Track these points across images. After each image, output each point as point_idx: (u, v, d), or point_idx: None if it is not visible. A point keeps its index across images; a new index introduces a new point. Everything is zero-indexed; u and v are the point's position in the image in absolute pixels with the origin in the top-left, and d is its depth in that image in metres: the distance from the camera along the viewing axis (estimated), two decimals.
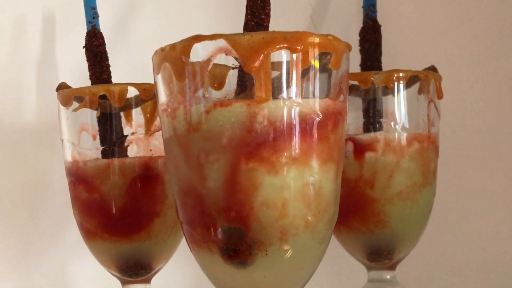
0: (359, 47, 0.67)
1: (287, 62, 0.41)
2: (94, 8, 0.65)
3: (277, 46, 0.41)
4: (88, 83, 0.64)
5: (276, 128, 0.41)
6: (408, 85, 0.59)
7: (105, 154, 0.58)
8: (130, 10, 0.77)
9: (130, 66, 0.76)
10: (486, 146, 0.76)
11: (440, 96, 0.60)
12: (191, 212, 0.43)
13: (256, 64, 0.40)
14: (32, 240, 0.76)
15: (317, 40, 0.42)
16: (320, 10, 0.78)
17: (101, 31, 0.65)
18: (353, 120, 0.61)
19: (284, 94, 0.42)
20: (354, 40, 0.75)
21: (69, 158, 0.60)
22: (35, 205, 0.76)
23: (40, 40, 0.77)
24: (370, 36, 0.67)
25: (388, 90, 0.58)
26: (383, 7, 0.72)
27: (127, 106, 0.61)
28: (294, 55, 0.41)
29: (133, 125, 0.61)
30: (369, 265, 0.62)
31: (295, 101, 0.42)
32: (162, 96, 0.45)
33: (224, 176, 0.42)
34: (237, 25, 0.75)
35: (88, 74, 0.64)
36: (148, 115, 0.61)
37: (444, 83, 0.62)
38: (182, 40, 0.42)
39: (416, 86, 0.60)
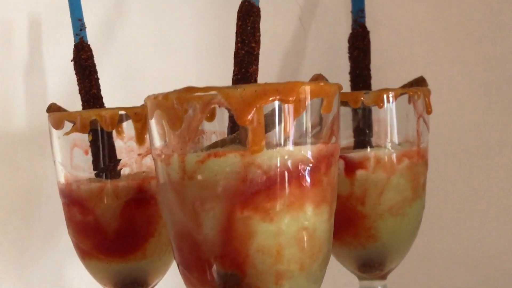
0: (348, 54, 0.68)
1: (279, 112, 0.42)
2: (81, 19, 0.65)
3: (270, 99, 0.41)
4: (76, 88, 0.64)
5: (270, 177, 0.42)
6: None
7: (98, 176, 0.59)
8: (118, 15, 0.77)
9: (118, 71, 0.76)
10: (474, 144, 0.77)
11: (429, 112, 0.61)
12: (188, 256, 0.44)
13: (249, 117, 0.41)
14: (27, 246, 0.77)
15: (308, 88, 0.42)
16: (309, 10, 0.78)
17: (88, 42, 0.64)
18: (343, 137, 0.61)
19: (277, 143, 0.42)
20: (343, 39, 0.75)
21: (62, 179, 0.60)
22: (29, 210, 0.77)
23: (27, 45, 0.76)
24: (359, 44, 0.67)
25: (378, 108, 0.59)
26: (372, 12, 0.72)
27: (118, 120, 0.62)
28: (286, 105, 0.42)
29: (124, 137, 0.62)
30: (360, 275, 0.63)
31: (288, 150, 0.42)
32: (156, 141, 0.45)
33: (220, 224, 0.42)
34: (226, 31, 0.75)
35: (76, 79, 0.64)
36: (139, 131, 0.61)
37: (433, 88, 0.63)
38: (175, 91, 0.43)
39: (405, 98, 0.60)
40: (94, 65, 0.64)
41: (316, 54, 0.77)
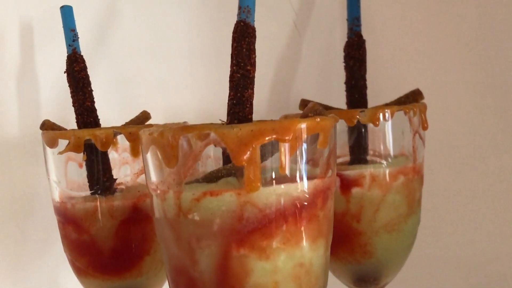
0: (343, 63, 0.67)
1: (275, 150, 0.42)
2: (73, 30, 0.64)
3: (266, 138, 0.41)
4: (68, 95, 0.63)
5: (266, 215, 0.42)
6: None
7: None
8: (110, 21, 0.76)
9: (111, 77, 0.75)
10: (469, 149, 0.77)
11: (425, 127, 0.60)
12: None
13: (245, 157, 0.40)
14: (22, 252, 0.76)
15: (305, 126, 0.42)
16: (304, 15, 0.77)
17: (81, 50, 0.64)
18: (339, 153, 0.61)
19: (273, 181, 0.42)
20: (339, 44, 0.75)
21: (56, 198, 0.60)
22: (23, 216, 0.76)
23: (18, 51, 0.75)
24: (355, 53, 0.67)
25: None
26: (368, 20, 0.71)
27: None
28: (283, 144, 0.41)
29: (119, 149, 0.61)
30: None
31: (284, 187, 0.42)
32: (152, 175, 0.45)
33: (216, 261, 0.42)
34: (220, 36, 0.75)
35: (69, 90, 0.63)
36: (133, 146, 0.60)
37: (428, 98, 0.63)
38: (171, 129, 0.42)
39: (401, 115, 0.60)
40: (87, 77, 0.63)
41: (311, 59, 0.77)
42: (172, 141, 0.42)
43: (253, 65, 0.48)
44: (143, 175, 0.59)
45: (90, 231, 0.58)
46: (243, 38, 0.48)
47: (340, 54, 0.69)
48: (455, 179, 0.76)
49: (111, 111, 0.73)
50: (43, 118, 0.76)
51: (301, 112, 0.67)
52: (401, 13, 0.75)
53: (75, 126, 0.63)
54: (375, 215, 0.59)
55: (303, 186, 0.43)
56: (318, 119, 0.43)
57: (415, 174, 0.60)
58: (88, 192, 0.59)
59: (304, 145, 0.42)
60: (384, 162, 0.59)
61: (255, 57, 0.49)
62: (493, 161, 0.76)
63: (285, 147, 0.41)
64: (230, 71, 0.48)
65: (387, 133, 0.59)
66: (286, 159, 0.42)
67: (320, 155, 0.44)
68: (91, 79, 0.64)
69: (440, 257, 0.77)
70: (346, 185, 0.59)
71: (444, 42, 0.74)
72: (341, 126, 0.60)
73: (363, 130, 0.60)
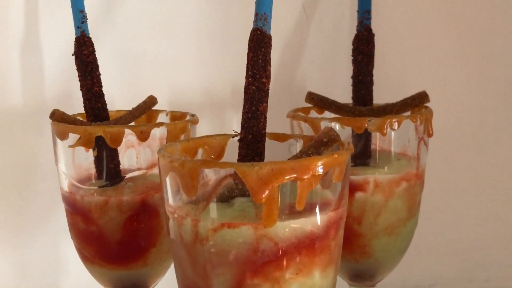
0: (351, 57, 0.67)
1: (293, 187, 0.43)
2: (82, 11, 0.64)
3: (286, 177, 0.42)
4: (73, 65, 0.63)
5: (281, 248, 0.43)
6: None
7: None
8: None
9: (117, 53, 0.75)
10: (473, 145, 0.78)
11: (430, 135, 0.61)
12: None
13: (265, 195, 0.42)
14: (24, 220, 0.78)
15: (323, 163, 0.43)
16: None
17: (90, 35, 0.63)
18: None
19: (289, 215, 0.43)
20: (346, 31, 0.75)
21: (65, 187, 0.61)
22: (26, 186, 0.78)
23: (23, 23, 0.75)
24: (364, 48, 0.67)
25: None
26: (375, 13, 0.71)
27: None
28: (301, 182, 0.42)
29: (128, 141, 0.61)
30: (351, 283, 0.66)
31: (299, 221, 0.43)
32: (170, 198, 0.46)
33: None
34: (226, 13, 0.74)
35: (74, 60, 0.63)
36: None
37: (435, 98, 0.64)
38: (192, 161, 0.43)
39: (407, 123, 0.61)
40: (95, 61, 0.63)
41: (318, 44, 0.77)
42: (192, 173, 0.43)
43: (268, 77, 0.49)
44: (152, 171, 0.60)
45: (98, 223, 0.59)
46: (259, 48, 0.48)
47: (347, 42, 0.69)
48: (447, 172, 0.78)
49: (116, 90, 0.73)
50: (46, 89, 0.77)
51: (307, 105, 0.68)
52: (410, 8, 0.74)
53: (79, 98, 0.64)
54: (376, 219, 0.61)
55: (318, 220, 0.44)
56: (336, 155, 0.44)
57: (417, 180, 0.62)
58: (96, 186, 0.59)
59: (321, 181, 0.43)
60: (388, 168, 0.60)
61: (270, 68, 0.49)
62: (492, 156, 0.78)
63: (303, 184, 0.42)
64: (246, 82, 0.49)
65: (393, 140, 0.60)
66: (303, 195, 0.43)
67: (335, 187, 0.45)
68: (96, 56, 0.63)
69: (432, 244, 0.80)
70: (350, 189, 0.60)
71: (451, 41, 0.75)
72: (347, 132, 0.61)
73: (368, 136, 0.61)
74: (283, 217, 0.43)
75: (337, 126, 0.60)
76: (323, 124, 0.60)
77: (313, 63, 0.76)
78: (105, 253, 0.60)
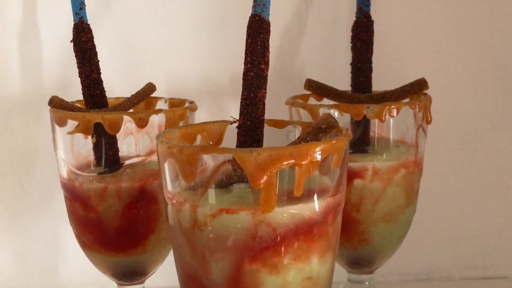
0: (350, 44, 0.67)
1: (291, 173, 0.43)
2: None
3: (284, 163, 0.42)
4: (71, 52, 0.63)
5: (279, 234, 0.43)
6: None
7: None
8: None
9: (115, 40, 0.75)
10: (469, 133, 0.78)
11: (428, 122, 0.62)
12: None
13: (263, 180, 0.42)
14: (22, 207, 0.78)
15: (321, 149, 0.43)
16: None
17: (88, 22, 0.63)
18: None
19: (287, 201, 0.43)
20: (345, 18, 0.75)
21: (64, 174, 0.61)
22: (24, 173, 0.78)
23: (21, 9, 0.75)
24: (363, 35, 0.67)
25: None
26: (376, 0, 0.71)
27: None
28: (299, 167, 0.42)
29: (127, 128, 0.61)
30: (349, 270, 0.66)
31: (297, 207, 0.43)
32: (168, 184, 0.46)
33: (228, 274, 0.44)
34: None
35: (72, 46, 0.63)
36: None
37: (433, 86, 0.64)
38: (190, 147, 0.43)
39: (406, 110, 0.61)
40: (94, 47, 0.63)
41: (317, 31, 0.76)
42: (191, 159, 0.43)
43: (267, 63, 0.49)
44: (151, 158, 0.60)
45: (97, 210, 0.59)
46: (258, 34, 0.48)
47: (346, 29, 0.69)
48: (446, 159, 0.78)
49: (115, 76, 0.73)
50: (45, 76, 0.77)
51: (305, 92, 0.68)
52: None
53: (77, 85, 0.64)
54: (375, 206, 0.61)
55: (316, 205, 0.44)
56: (334, 141, 0.44)
57: (416, 167, 0.62)
58: (95, 173, 0.59)
59: (319, 167, 0.43)
60: (387, 155, 0.60)
61: (268, 54, 0.49)
62: (490, 143, 0.78)
63: (301, 170, 0.42)
64: (244, 68, 0.49)
65: (391, 128, 0.60)
66: (301, 181, 0.43)
67: (333, 173, 0.45)
68: (95, 42, 0.63)
69: (430, 232, 0.80)
70: (349, 176, 0.60)
71: (451, 28, 0.74)
72: (346, 119, 0.61)
73: (367, 123, 0.61)
74: (281, 203, 0.43)
75: (335, 113, 0.60)
76: (322, 111, 0.60)
77: (312, 50, 0.76)
78: (104, 240, 0.60)
